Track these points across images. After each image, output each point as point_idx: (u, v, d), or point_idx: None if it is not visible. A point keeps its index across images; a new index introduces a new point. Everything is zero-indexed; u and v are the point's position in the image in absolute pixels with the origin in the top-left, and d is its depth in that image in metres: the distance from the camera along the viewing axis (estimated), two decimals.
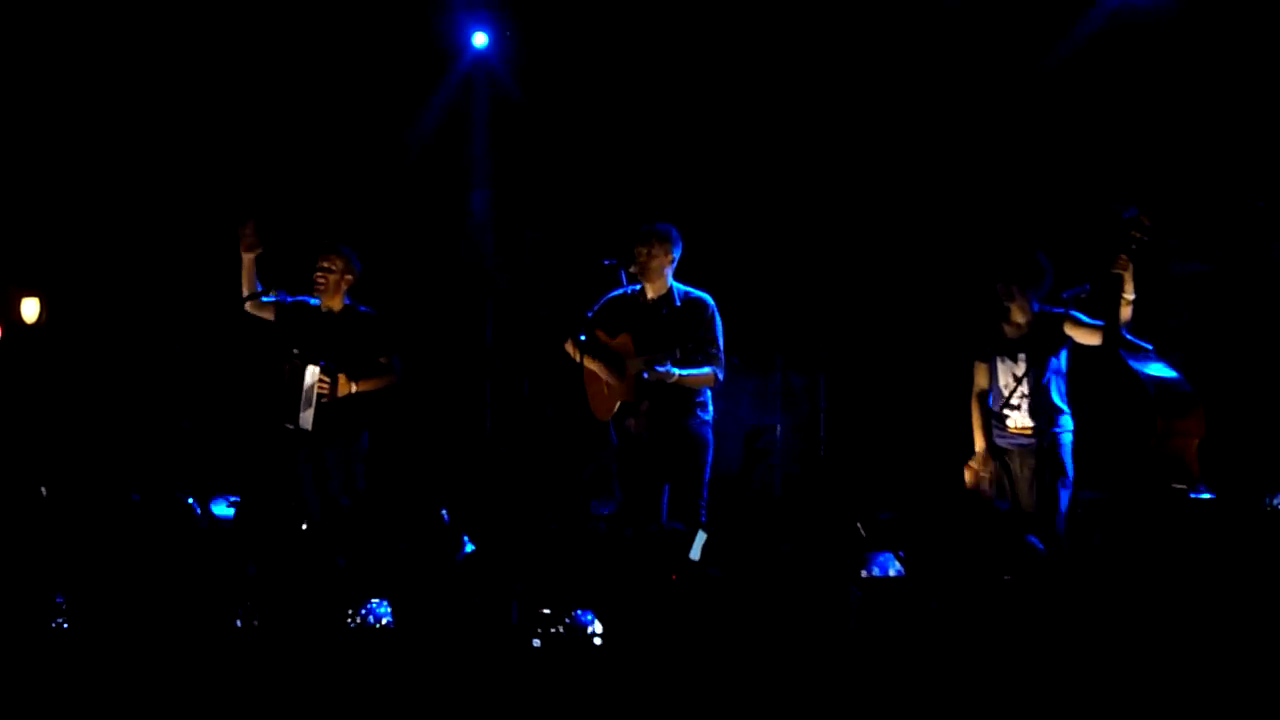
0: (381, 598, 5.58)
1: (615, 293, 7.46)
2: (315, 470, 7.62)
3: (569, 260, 9.50)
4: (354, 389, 7.60)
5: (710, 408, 7.37)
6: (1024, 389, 6.89)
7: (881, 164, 9.14)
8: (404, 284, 9.60)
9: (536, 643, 4.95)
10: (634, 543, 5.88)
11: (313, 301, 7.76)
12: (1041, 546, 5.67)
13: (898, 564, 6.15)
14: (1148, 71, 8.29)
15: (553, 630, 4.96)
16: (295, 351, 7.57)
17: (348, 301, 7.78)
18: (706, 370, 7.25)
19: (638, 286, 7.41)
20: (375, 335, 7.71)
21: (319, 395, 7.51)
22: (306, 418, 7.58)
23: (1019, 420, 6.96)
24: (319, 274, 7.65)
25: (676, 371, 7.13)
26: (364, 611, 5.58)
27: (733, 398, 8.73)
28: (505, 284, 10.08)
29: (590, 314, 7.42)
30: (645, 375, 7.07)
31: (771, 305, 9.38)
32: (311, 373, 7.55)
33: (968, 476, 7.06)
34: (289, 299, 7.73)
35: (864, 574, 6.19)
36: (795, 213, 9.42)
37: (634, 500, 7.27)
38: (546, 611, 5.00)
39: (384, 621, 5.52)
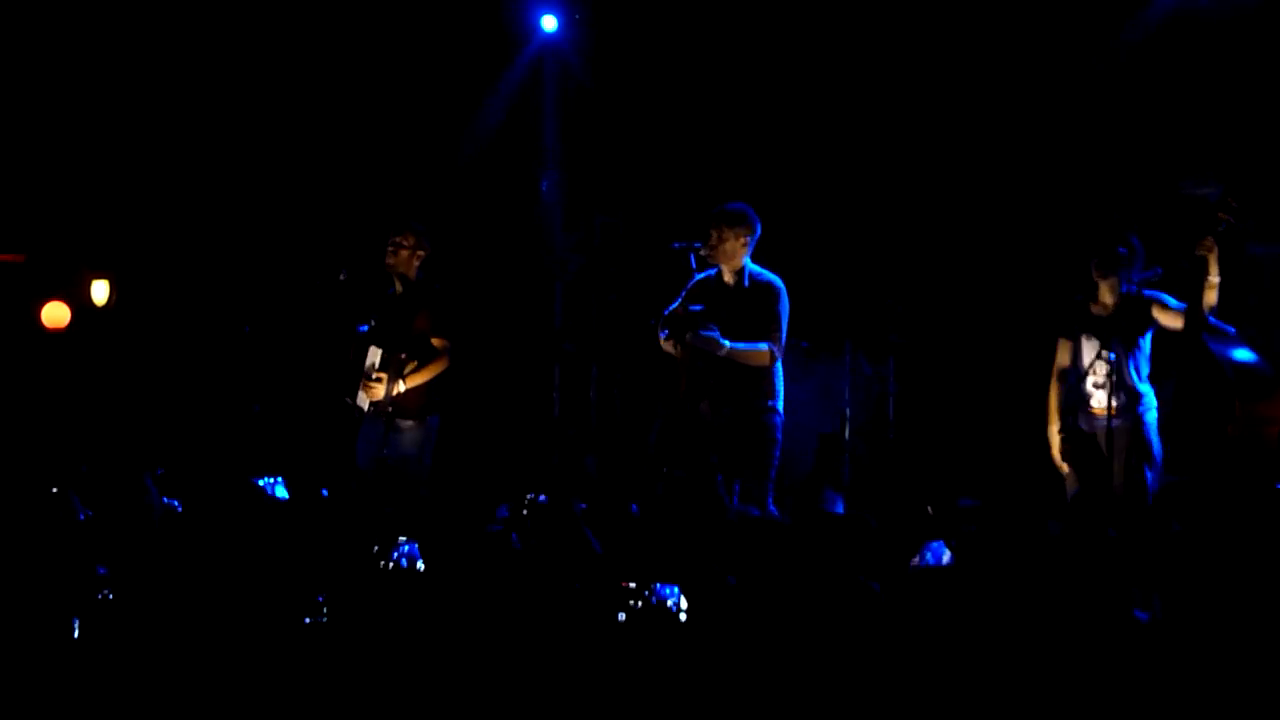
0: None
1: (699, 277, 7.44)
2: (379, 449, 7.60)
3: (639, 244, 9.59)
4: (402, 388, 7.58)
5: (779, 396, 7.32)
6: (1107, 369, 6.88)
7: (960, 142, 9.12)
8: (474, 268, 9.62)
9: (622, 616, 4.89)
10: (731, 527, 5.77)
11: (389, 291, 7.81)
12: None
13: (949, 553, 6.00)
14: (1228, 48, 8.26)
15: (636, 604, 4.91)
16: (362, 327, 7.61)
17: (420, 275, 7.80)
18: (762, 346, 7.21)
19: (716, 269, 7.40)
20: (435, 313, 7.68)
21: (370, 395, 7.52)
22: (363, 399, 7.61)
23: (1102, 400, 6.95)
24: (390, 249, 7.68)
25: (726, 343, 7.11)
26: (395, 554, 5.57)
27: (800, 383, 8.70)
28: (575, 268, 10.13)
29: (675, 303, 7.39)
30: (689, 339, 7.07)
31: (841, 287, 9.37)
32: (374, 353, 7.58)
33: (1061, 466, 7.05)
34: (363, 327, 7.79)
35: (914, 562, 6.10)
36: (869, 194, 9.40)
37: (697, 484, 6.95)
38: (631, 585, 4.94)
39: (416, 563, 5.53)
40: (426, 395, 7.71)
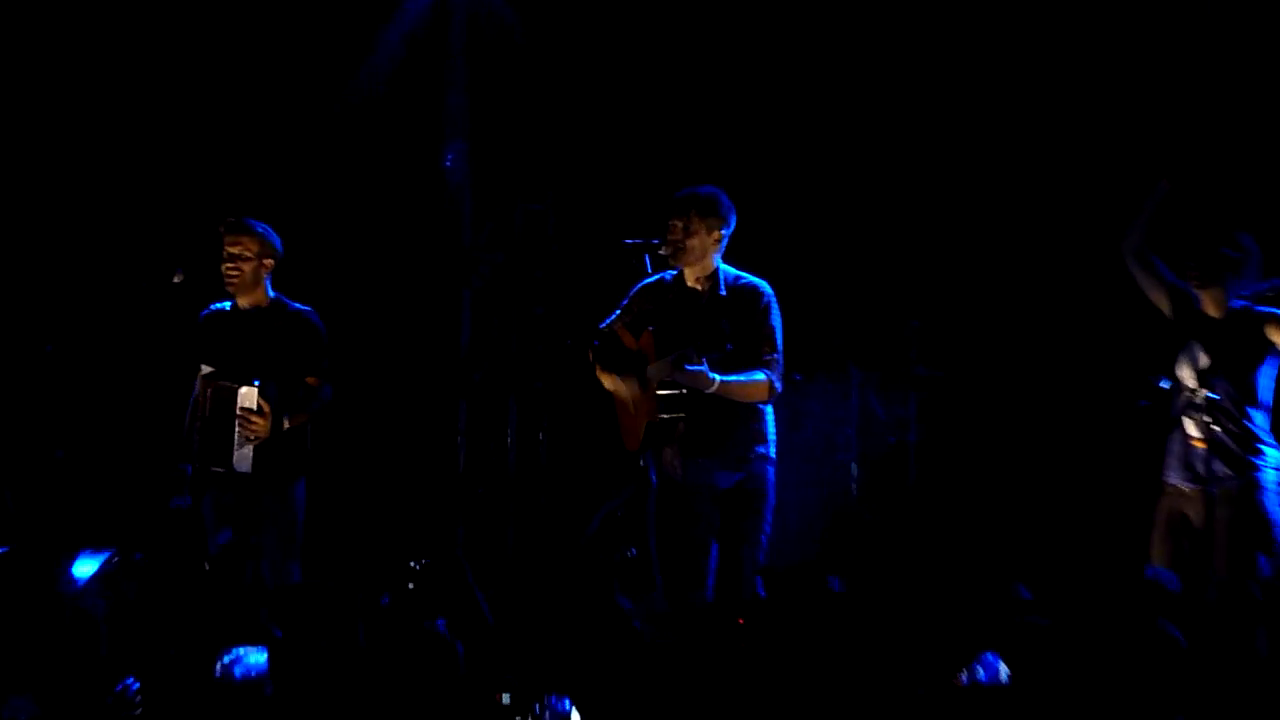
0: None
1: (647, 280, 7.48)
2: (248, 526, 7.68)
3: (575, 240, 9.63)
4: (286, 424, 7.67)
5: (770, 435, 7.34)
6: (1204, 408, 6.87)
7: (999, 105, 9.26)
8: (350, 273, 9.66)
9: None
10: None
11: (224, 305, 7.84)
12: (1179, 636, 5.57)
13: (1005, 668, 6.05)
14: None
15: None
16: (206, 370, 7.65)
17: (274, 295, 7.78)
18: (759, 377, 7.22)
19: (675, 272, 7.41)
20: (308, 345, 7.76)
21: (251, 435, 7.63)
22: (245, 456, 7.63)
23: (1203, 429, 6.92)
24: (229, 264, 7.69)
25: (716, 377, 7.11)
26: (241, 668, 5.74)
27: (793, 424, 8.75)
28: (489, 272, 10.05)
29: (614, 316, 7.45)
30: (670, 371, 7.10)
31: (844, 299, 9.44)
32: (247, 396, 7.60)
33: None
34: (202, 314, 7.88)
35: (963, 676, 6.12)
36: (877, 175, 9.48)
37: (674, 565, 7.26)
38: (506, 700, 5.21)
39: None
40: (296, 450, 7.74)
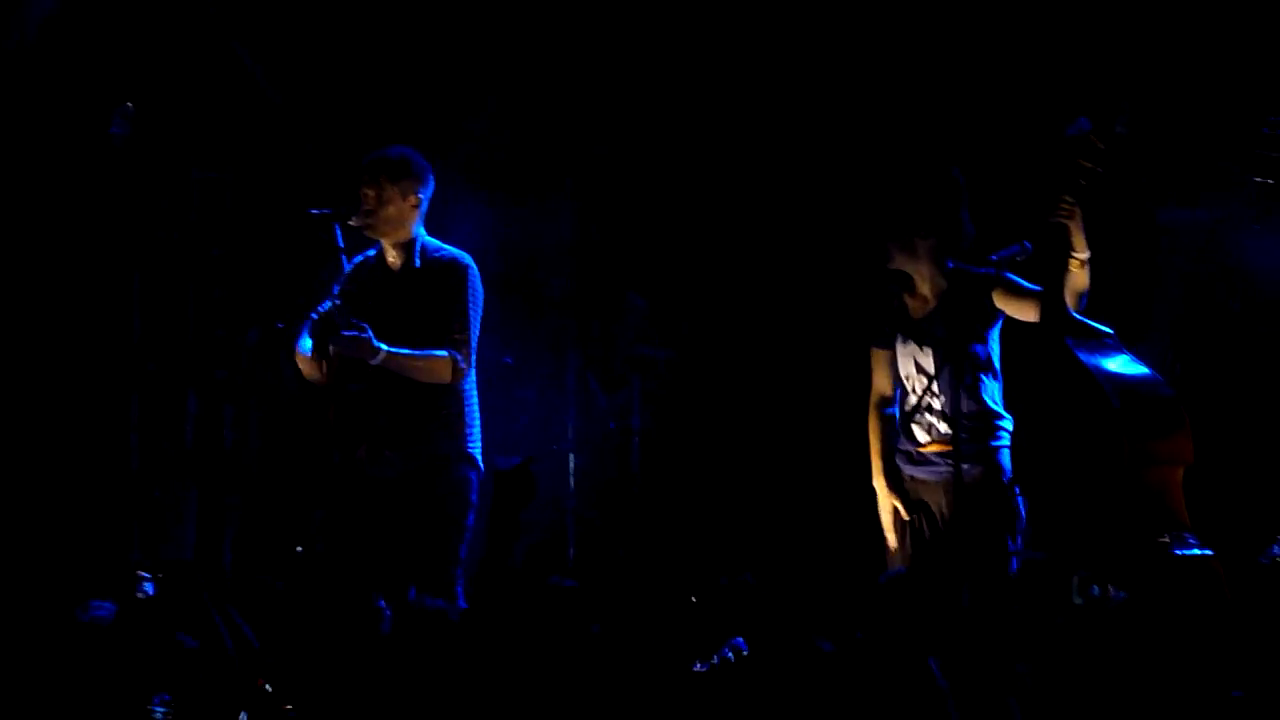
0: None
1: (359, 259, 7.46)
2: None
3: (258, 212, 9.53)
4: None
5: (472, 433, 7.38)
6: (938, 387, 6.85)
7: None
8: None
9: None
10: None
11: None
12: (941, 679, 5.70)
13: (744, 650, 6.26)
14: None
15: None
16: None
17: None
18: (438, 353, 7.25)
19: (377, 247, 7.46)
20: None
21: None
22: None
23: (934, 432, 6.91)
24: None
25: (382, 346, 7.13)
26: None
27: (506, 412, 8.84)
28: (161, 249, 9.85)
29: (328, 302, 7.40)
30: (330, 345, 7.15)
31: (566, 275, 9.60)
32: None
33: (889, 540, 7.02)
34: None
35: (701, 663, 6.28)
36: (603, 150, 9.66)
37: (345, 568, 7.32)
38: None
39: None
40: None
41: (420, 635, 6.02)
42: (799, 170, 9.18)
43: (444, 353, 7.22)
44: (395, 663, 5.89)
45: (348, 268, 7.40)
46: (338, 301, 7.21)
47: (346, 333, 7.08)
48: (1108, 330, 6.54)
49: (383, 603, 6.83)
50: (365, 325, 7.10)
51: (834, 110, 9.09)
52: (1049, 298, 6.52)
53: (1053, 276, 6.48)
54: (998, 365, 6.93)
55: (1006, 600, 6.54)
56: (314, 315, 7.36)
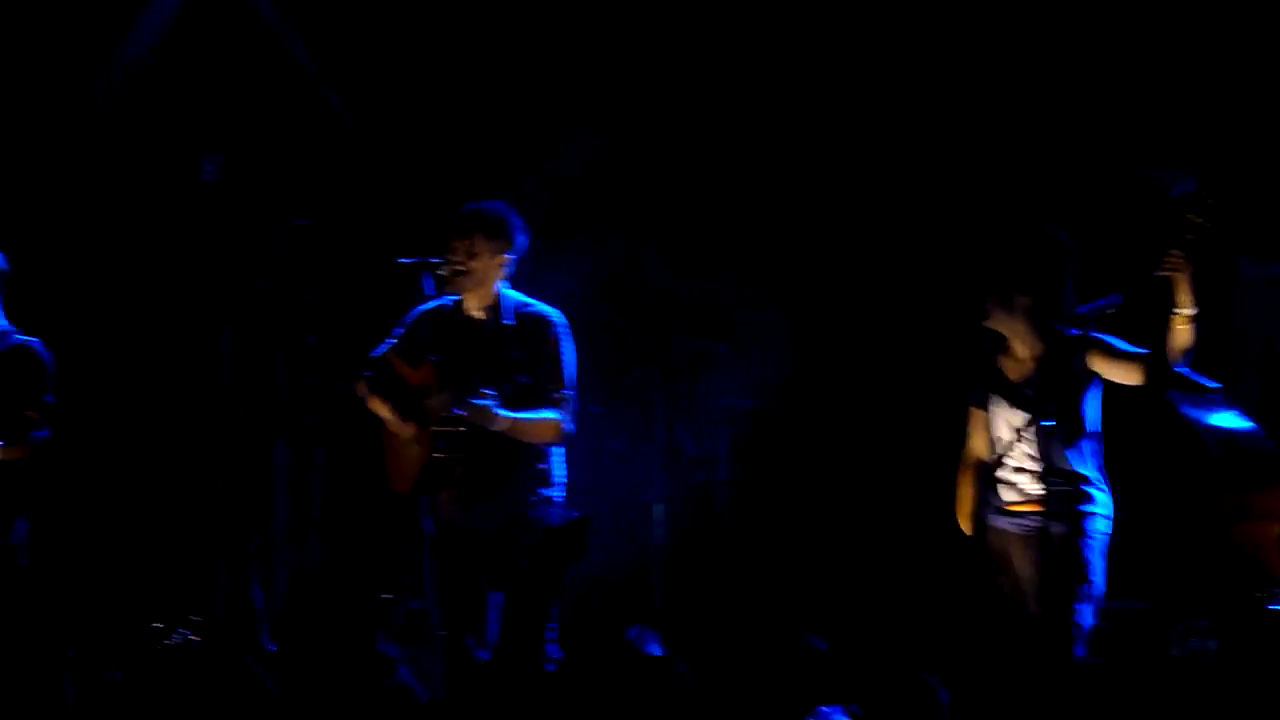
0: None
1: (425, 306, 7.46)
2: None
3: (349, 259, 9.58)
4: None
5: (558, 477, 7.37)
6: (1028, 448, 6.79)
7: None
8: (92, 294, 9.56)
9: None
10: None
11: None
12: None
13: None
14: None
15: None
16: None
17: (3, 326, 7.72)
18: (548, 415, 7.23)
19: (456, 298, 7.41)
20: (28, 378, 7.66)
21: None
22: None
23: (1024, 494, 6.84)
24: None
25: (504, 413, 7.11)
26: None
27: (594, 462, 8.84)
28: (251, 296, 9.94)
29: (387, 345, 7.44)
30: (457, 411, 7.09)
31: (649, 328, 9.55)
32: None
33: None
34: None
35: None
36: (689, 202, 9.61)
37: (452, 617, 7.26)
38: None
39: None
40: (13, 492, 7.63)
41: (510, 683, 6.06)
42: (893, 222, 9.17)
43: (553, 415, 7.24)
44: (490, 708, 5.91)
45: (415, 314, 7.44)
46: (434, 358, 7.25)
47: (476, 401, 7.08)
48: (1215, 385, 6.57)
49: (477, 650, 6.97)
50: (494, 393, 7.10)
51: (929, 164, 9.10)
52: (1152, 354, 6.53)
53: (1157, 332, 6.48)
54: (1096, 429, 6.89)
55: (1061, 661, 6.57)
56: (374, 356, 7.41)
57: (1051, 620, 6.70)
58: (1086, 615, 6.74)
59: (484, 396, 7.07)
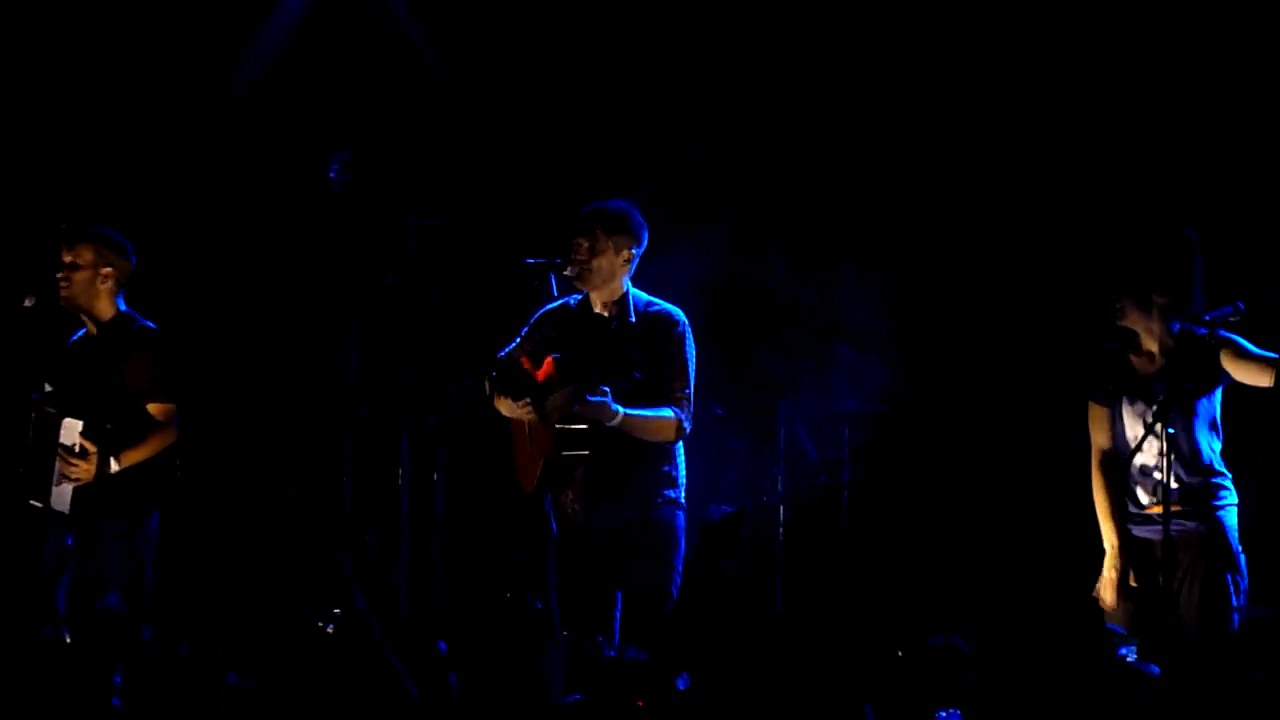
0: None
1: (551, 305, 7.50)
2: (76, 565, 7.64)
3: (477, 259, 9.62)
4: (115, 467, 7.61)
5: (680, 478, 7.39)
6: (1163, 447, 6.72)
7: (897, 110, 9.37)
8: (219, 292, 9.65)
9: None
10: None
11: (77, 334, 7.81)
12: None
13: None
14: None
15: None
16: (49, 388, 7.61)
17: (124, 309, 7.78)
18: (667, 414, 7.26)
19: (580, 296, 7.44)
20: (147, 365, 7.73)
21: (73, 476, 7.62)
22: (63, 494, 7.61)
23: (1159, 493, 6.79)
24: (61, 275, 7.70)
25: (619, 409, 7.12)
26: None
27: (716, 463, 8.92)
28: (377, 295, 10.03)
29: (515, 343, 7.48)
30: (575, 408, 7.10)
31: (767, 329, 9.47)
32: (70, 429, 7.58)
33: (1105, 597, 6.90)
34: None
35: None
36: (809, 202, 9.58)
37: (577, 616, 7.25)
38: None
39: None
40: (142, 484, 7.70)
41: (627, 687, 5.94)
42: (1016, 225, 9.13)
43: (671, 413, 7.24)
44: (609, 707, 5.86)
45: (540, 314, 7.47)
46: (556, 355, 7.28)
47: (592, 397, 7.07)
48: None
49: (605, 648, 6.99)
50: (608, 389, 7.11)
51: (1056, 164, 9.04)
52: None
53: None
54: (1220, 424, 6.89)
55: (1228, 663, 6.50)
56: (501, 356, 7.45)
57: (1210, 620, 6.69)
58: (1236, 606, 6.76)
59: (600, 392, 7.07)
